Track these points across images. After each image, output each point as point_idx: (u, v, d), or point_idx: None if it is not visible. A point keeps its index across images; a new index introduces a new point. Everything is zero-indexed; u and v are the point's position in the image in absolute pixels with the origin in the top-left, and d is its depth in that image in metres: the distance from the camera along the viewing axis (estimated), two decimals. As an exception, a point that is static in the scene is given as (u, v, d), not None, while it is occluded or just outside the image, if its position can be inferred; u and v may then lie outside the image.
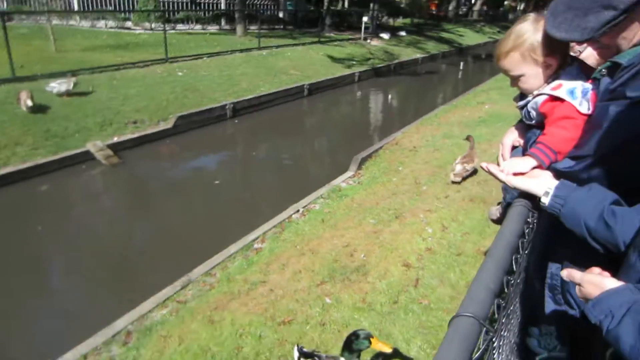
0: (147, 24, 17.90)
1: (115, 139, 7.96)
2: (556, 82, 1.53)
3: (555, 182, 1.35)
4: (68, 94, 8.80)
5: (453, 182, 5.57)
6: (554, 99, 1.52)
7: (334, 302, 3.46)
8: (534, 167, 1.49)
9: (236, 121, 10.51)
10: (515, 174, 1.48)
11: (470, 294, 1.00)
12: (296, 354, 2.81)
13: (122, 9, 18.69)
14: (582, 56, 2.18)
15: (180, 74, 11.76)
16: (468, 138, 5.74)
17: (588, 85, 1.50)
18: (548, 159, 1.49)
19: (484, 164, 1.57)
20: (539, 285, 2.57)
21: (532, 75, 1.56)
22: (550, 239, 1.97)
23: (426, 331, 3.07)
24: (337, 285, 3.70)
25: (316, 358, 2.69)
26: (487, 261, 1.14)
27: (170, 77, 11.36)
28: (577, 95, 1.49)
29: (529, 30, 1.50)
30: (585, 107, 1.49)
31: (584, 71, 1.55)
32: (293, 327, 3.23)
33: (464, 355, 0.84)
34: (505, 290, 1.14)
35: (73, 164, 7.15)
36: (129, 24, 18.19)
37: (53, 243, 5.45)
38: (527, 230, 1.45)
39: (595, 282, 1.01)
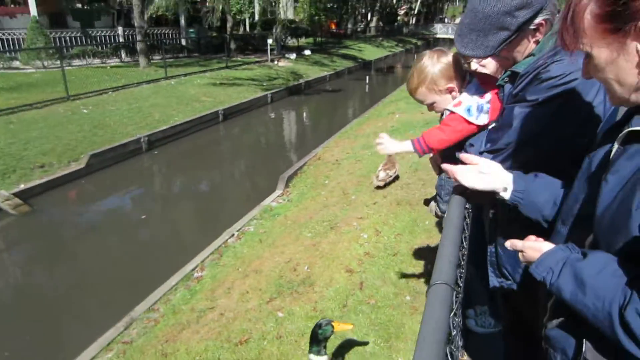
0: (38, 62, 16.84)
1: (22, 186, 7.40)
2: (457, 99, 1.89)
3: (510, 176, 1.46)
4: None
5: (377, 187, 5.89)
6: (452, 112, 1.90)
7: (286, 315, 3.53)
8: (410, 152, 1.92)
9: (154, 153, 10.21)
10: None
11: (438, 267, 1.18)
12: None
13: (6, 48, 17.42)
14: (483, 62, 2.56)
15: (85, 111, 11.22)
16: None
17: (482, 101, 1.86)
18: (422, 150, 1.89)
19: (446, 166, 1.61)
20: (472, 270, 2.86)
21: (441, 100, 1.93)
22: (482, 224, 2.26)
23: (377, 327, 3.25)
24: (287, 299, 3.78)
25: None
26: (444, 241, 1.33)
27: (75, 115, 10.79)
28: (473, 112, 1.86)
29: (428, 66, 1.87)
30: (483, 120, 1.85)
31: (482, 84, 1.91)
32: (250, 344, 3.26)
33: (445, 316, 1.01)
34: (462, 262, 1.34)
35: (-23, 218, 6.56)
36: (16, 63, 16.98)
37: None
38: (465, 213, 1.70)
39: (535, 247, 1.20)
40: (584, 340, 1.08)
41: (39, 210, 7.07)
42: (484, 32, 1.58)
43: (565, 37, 1.03)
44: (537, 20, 1.56)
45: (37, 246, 6.30)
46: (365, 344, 3.12)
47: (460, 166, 1.53)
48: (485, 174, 1.48)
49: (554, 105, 1.54)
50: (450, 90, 1.89)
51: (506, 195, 1.45)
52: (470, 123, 1.85)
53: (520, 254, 1.25)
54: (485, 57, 1.73)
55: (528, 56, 1.66)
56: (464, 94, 1.89)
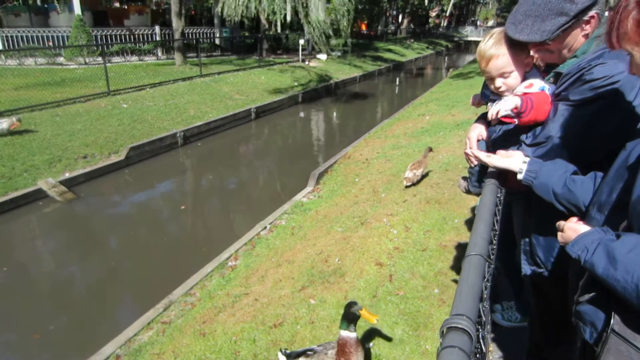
0: (80, 59, 17.54)
1: (67, 175, 7.82)
2: (528, 82, 1.89)
3: (527, 159, 1.68)
4: (9, 133, 8.57)
5: (406, 187, 6.01)
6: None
7: (318, 303, 3.70)
8: (514, 108, 1.74)
9: (189, 148, 10.57)
10: (492, 156, 1.78)
11: (472, 242, 1.32)
12: (283, 359, 2.91)
13: (50, 45, 18.19)
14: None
15: (125, 105, 11.67)
16: (428, 149, 6.22)
17: (548, 86, 1.88)
18: (526, 108, 1.74)
19: (468, 150, 1.93)
20: (499, 266, 2.96)
21: (514, 75, 1.88)
22: (510, 222, 2.37)
23: (406, 317, 3.38)
24: (319, 288, 3.95)
25: (309, 352, 2.86)
26: (478, 221, 1.47)
27: (115, 109, 11.25)
28: (547, 90, 1.87)
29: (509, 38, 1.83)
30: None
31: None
32: (284, 328, 3.44)
33: (479, 280, 1.15)
34: (493, 241, 1.48)
35: (26, 203, 6.97)
36: (60, 59, 17.70)
37: (26, 279, 5.36)
38: (497, 200, 1.83)
39: (573, 227, 1.35)
40: (612, 313, 1.20)
41: (82, 198, 7.46)
42: (541, 18, 1.65)
43: (613, 37, 1.15)
44: (591, 12, 1.64)
45: (81, 231, 6.65)
46: (389, 339, 3.21)
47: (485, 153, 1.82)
48: (506, 156, 1.73)
49: (595, 105, 1.64)
50: (528, 64, 1.87)
51: (521, 175, 1.65)
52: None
53: (559, 234, 1.40)
54: (540, 44, 1.74)
55: (571, 58, 1.75)
56: (530, 78, 1.90)
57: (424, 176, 6.19)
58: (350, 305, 2.66)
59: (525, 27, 1.69)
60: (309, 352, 2.86)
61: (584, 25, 1.69)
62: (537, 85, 1.86)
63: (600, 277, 1.17)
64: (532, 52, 1.83)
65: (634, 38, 1.10)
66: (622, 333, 1.17)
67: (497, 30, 1.89)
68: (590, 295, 1.31)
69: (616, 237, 1.20)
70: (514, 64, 1.86)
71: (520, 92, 1.86)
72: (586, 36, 1.72)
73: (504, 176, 1.87)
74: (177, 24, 17.91)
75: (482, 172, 2.27)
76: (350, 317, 2.65)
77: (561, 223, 1.39)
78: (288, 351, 2.96)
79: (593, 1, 1.62)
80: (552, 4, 1.63)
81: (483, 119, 2.15)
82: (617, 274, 1.11)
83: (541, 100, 1.78)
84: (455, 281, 3.72)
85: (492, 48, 1.85)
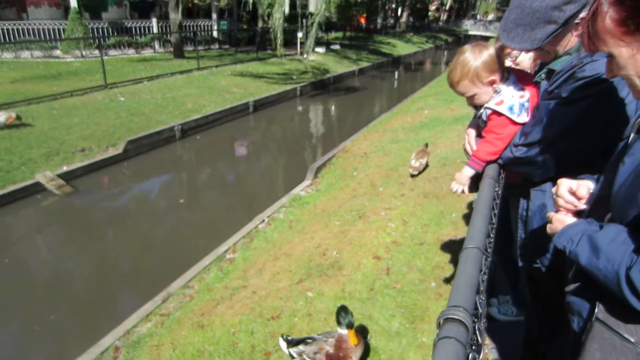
0: (77, 52, 17.44)
1: (65, 168, 7.80)
2: (499, 98, 1.97)
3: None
4: (6, 126, 8.54)
5: (412, 176, 6.06)
6: (495, 112, 1.98)
7: (316, 295, 3.72)
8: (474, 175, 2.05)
9: (186, 142, 10.55)
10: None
11: (469, 235, 1.34)
12: (284, 344, 3.03)
13: (46, 38, 18.06)
14: (518, 60, 2.67)
15: (122, 99, 11.63)
16: (425, 145, 6.28)
17: (523, 100, 1.96)
18: (480, 166, 2.02)
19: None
20: (496, 260, 2.98)
21: (482, 93, 2.00)
22: (507, 216, 2.39)
23: (403, 310, 3.41)
24: (316, 280, 3.96)
25: (309, 340, 2.91)
26: (475, 215, 1.48)
27: (112, 103, 11.21)
28: (515, 110, 1.94)
29: (471, 60, 1.94)
30: (524, 117, 1.95)
31: (519, 81, 2.01)
32: (282, 320, 3.46)
33: (476, 273, 1.16)
34: (491, 235, 1.49)
35: (24, 197, 6.96)
36: (57, 52, 17.60)
37: (25, 272, 5.37)
38: (495, 195, 1.84)
39: (560, 219, 1.39)
40: (596, 302, 1.24)
41: (80, 191, 7.45)
42: (530, 26, 1.65)
43: (587, 39, 1.16)
44: (582, 14, 1.62)
45: (79, 224, 6.65)
46: (386, 332, 3.23)
47: None
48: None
49: (587, 102, 1.64)
50: (491, 83, 1.95)
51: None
52: (514, 123, 1.93)
53: (548, 226, 1.44)
54: (531, 50, 1.78)
55: (565, 55, 1.76)
56: (505, 92, 1.96)
57: (425, 166, 6.23)
58: (343, 309, 2.68)
59: (516, 35, 1.69)
60: (309, 340, 2.93)
61: (575, 28, 1.69)
62: (507, 103, 1.94)
63: (584, 267, 1.20)
64: (515, 54, 1.88)
65: (614, 37, 1.10)
66: (605, 321, 1.20)
67: (461, 54, 1.99)
68: (576, 285, 1.35)
69: (599, 228, 1.23)
70: (474, 89, 1.99)
71: (492, 107, 1.98)
72: (579, 36, 1.72)
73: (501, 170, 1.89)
74: (174, 16, 17.82)
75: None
76: (339, 320, 2.69)
77: (550, 214, 1.43)
78: (289, 338, 3.05)
79: (582, 6, 1.61)
80: (540, 12, 1.62)
81: None
82: (599, 263, 1.14)
83: (487, 149, 1.99)
84: (452, 275, 3.74)
85: (451, 76, 2.02)
